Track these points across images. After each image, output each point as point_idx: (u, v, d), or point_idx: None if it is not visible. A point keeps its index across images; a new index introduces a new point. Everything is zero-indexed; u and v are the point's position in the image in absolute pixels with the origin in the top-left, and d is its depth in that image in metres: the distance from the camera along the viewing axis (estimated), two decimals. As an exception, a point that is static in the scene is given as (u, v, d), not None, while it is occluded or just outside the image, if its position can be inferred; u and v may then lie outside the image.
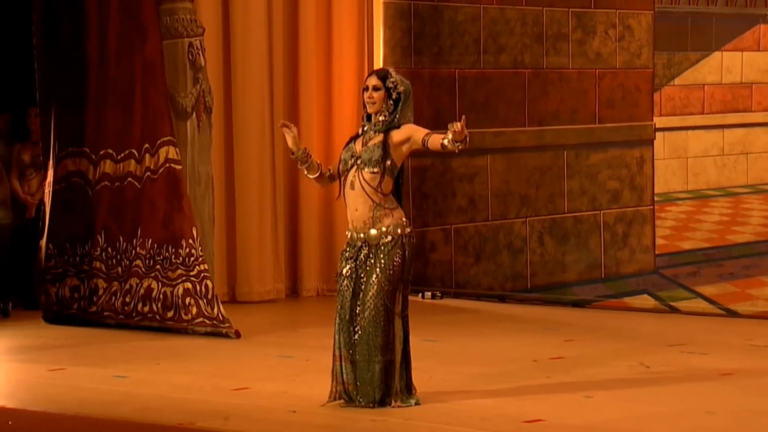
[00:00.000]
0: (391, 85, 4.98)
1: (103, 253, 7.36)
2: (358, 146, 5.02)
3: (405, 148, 4.95)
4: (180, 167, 7.21)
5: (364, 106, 5.03)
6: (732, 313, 7.64)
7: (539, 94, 8.37)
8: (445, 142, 4.78)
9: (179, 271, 7.07)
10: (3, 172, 7.88)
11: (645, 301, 7.97)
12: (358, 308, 4.92)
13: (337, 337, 5.01)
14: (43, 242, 7.59)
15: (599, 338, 6.95)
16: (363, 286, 4.90)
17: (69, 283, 7.47)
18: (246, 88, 8.39)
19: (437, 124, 8.77)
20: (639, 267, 8.08)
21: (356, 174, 4.96)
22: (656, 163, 8.05)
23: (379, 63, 8.80)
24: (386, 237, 4.91)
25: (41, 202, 7.82)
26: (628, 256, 8.12)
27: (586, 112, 8.23)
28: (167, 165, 7.19)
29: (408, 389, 4.98)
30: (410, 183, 8.87)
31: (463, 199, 8.64)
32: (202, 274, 7.03)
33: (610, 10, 8.15)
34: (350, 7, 8.75)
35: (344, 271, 4.96)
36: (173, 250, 7.10)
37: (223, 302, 7.24)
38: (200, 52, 7.50)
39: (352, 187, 4.97)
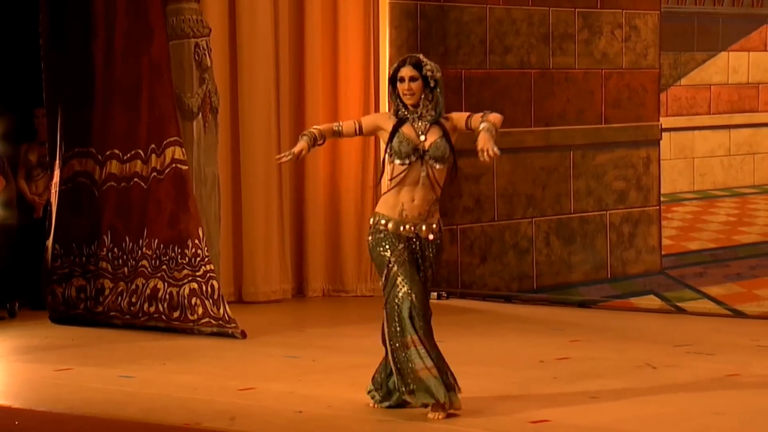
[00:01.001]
0: (428, 73, 4.80)
1: (110, 254, 7.37)
2: (411, 135, 4.80)
3: (454, 138, 4.84)
4: (186, 167, 7.22)
5: (398, 97, 4.81)
6: (738, 314, 7.63)
7: (545, 94, 8.36)
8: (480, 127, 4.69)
9: (185, 272, 7.08)
10: (9, 173, 7.90)
11: (651, 301, 7.96)
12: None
13: (406, 323, 4.78)
14: (50, 242, 7.60)
15: (605, 339, 6.94)
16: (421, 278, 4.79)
17: (75, 284, 7.48)
18: (252, 88, 8.39)
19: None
20: (645, 267, 8.07)
21: (424, 168, 4.79)
22: (662, 164, 8.04)
23: (385, 63, 8.80)
24: (434, 233, 4.86)
25: (48, 202, 7.83)
26: (634, 257, 8.11)
27: (592, 112, 8.22)
28: (173, 165, 7.20)
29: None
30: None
31: (469, 199, 8.63)
32: (208, 275, 7.03)
33: (616, 10, 8.14)
34: (356, 7, 8.75)
35: (400, 254, 4.77)
36: (179, 251, 7.10)
37: (229, 302, 7.25)
38: (206, 53, 7.50)
39: (417, 181, 4.81)
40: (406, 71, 4.81)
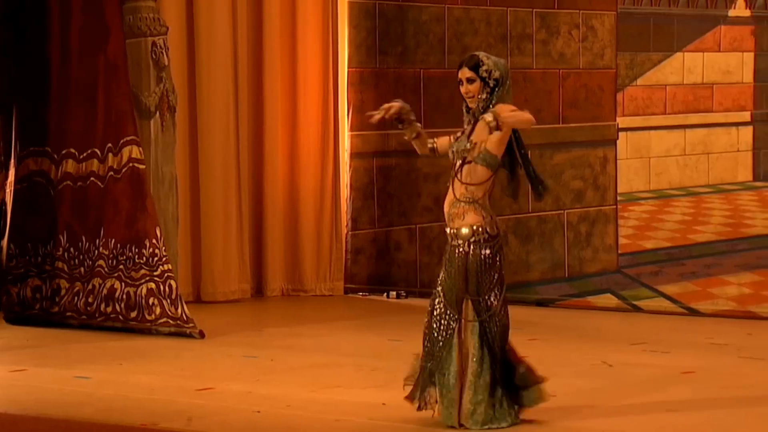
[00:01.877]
0: (485, 74, 4.60)
1: (66, 253, 7.31)
2: (461, 137, 4.68)
3: (495, 137, 4.53)
4: (143, 167, 7.17)
5: (464, 101, 4.66)
6: (693, 312, 7.72)
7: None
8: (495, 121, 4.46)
9: (143, 271, 7.04)
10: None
11: (608, 300, 8.02)
12: None
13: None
14: (5, 242, 7.52)
15: (563, 337, 6.99)
16: None
17: (31, 284, 7.41)
18: (210, 87, 8.35)
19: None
20: (602, 266, 8.14)
21: (453, 168, 4.66)
22: (619, 163, 8.11)
23: (344, 62, 8.80)
24: (456, 238, 4.68)
25: (3, 202, 7.75)
26: (591, 256, 8.17)
27: (550, 112, 8.27)
28: (130, 164, 7.15)
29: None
30: (375, 182, 8.89)
31: (428, 198, 8.65)
32: (166, 274, 7.00)
33: (573, 11, 8.20)
34: (315, 6, 8.74)
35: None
36: (137, 250, 7.06)
37: (187, 302, 7.21)
38: (164, 51, 7.46)
39: (452, 180, 4.69)
40: (463, 72, 4.64)
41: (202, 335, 6.87)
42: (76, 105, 7.35)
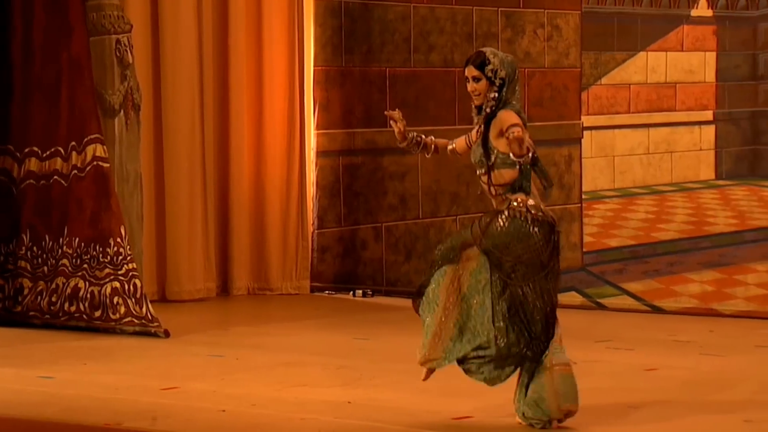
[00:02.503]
0: (491, 73, 4.50)
1: (29, 252, 7.25)
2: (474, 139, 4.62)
3: (504, 140, 4.44)
4: (108, 165, 7.13)
5: (471, 98, 4.60)
6: (657, 309, 7.78)
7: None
8: (508, 133, 4.36)
9: (107, 270, 7.00)
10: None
11: (573, 297, 8.07)
12: None
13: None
14: (-33, 241, 7.46)
15: (528, 335, 7.00)
16: None
17: (-7, 283, 7.35)
18: (176, 85, 8.32)
19: (368, 123, 8.87)
20: (567, 264, 8.17)
21: (479, 177, 4.60)
22: (584, 162, 8.16)
23: (309, 61, 8.79)
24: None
25: (-35, 200, 7.68)
26: (556, 254, 8.20)
27: (515, 110, 8.30)
28: (95, 163, 7.11)
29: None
30: (341, 181, 8.88)
31: (394, 197, 8.67)
32: (131, 273, 6.96)
33: (538, 10, 8.24)
34: (280, 4, 8.72)
35: None
36: (101, 249, 7.02)
37: (152, 301, 7.18)
38: (128, 49, 7.42)
39: (482, 187, 4.61)
40: (469, 71, 4.56)
41: (167, 334, 6.84)
42: (39, 103, 7.29)
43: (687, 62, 7.91)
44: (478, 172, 4.63)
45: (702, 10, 7.88)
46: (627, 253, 8.02)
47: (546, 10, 8.21)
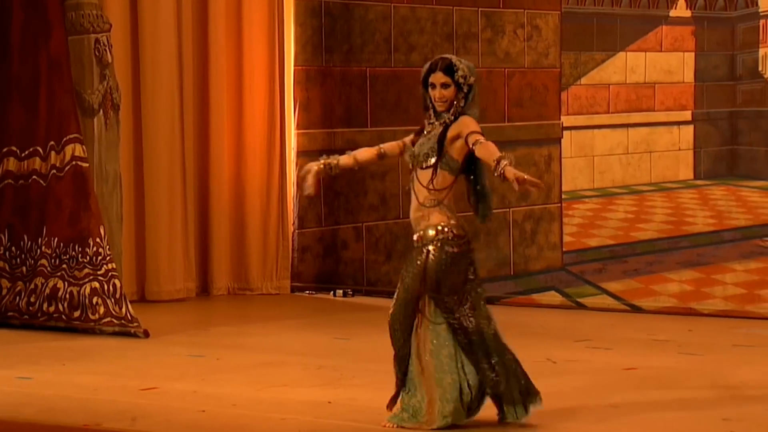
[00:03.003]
0: (461, 79, 4.48)
1: (7, 252, 7.22)
2: (422, 140, 4.57)
3: (458, 144, 4.46)
4: (87, 165, 7.11)
5: (430, 101, 4.52)
6: (636, 309, 7.81)
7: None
8: (500, 169, 4.30)
9: (86, 270, 6.97)
10: None
11: (553, 297, 8.10)
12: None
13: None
14: (-55, 241, 7.41)
15: (508, 334, 6.95)
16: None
17: (-29, 284, 7.31)
18: (155, 85, 8.29)
19: (348, 123, 8.87)
20: (547, 264, 8.21)
21: (413, 172, 4.56)
22: (563, 162, 8.18)
23: (290, 60, 8.78)
24: (422, 240, 4.54)
25: (-58, 200, 7.63)
26: (536, 254, 8.24)
27: (495, 110, 8.32)
28: (74, 163, 7.08)
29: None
30: (321, 181, 8.84)
31: (375, 196, 8.67)
32: (110, 273, 6.94)
33: (518, 10, 8.26)
34: (260, 4, 8.71)
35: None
36: (80, 249, 6.99)
37: (132, 301, 7.16)
38: (107, 49, 7.39)
39: (413, 185, 4.57)
40: (437, 77, 4.50)
41: (146, 335, 6.82)
42: (17, 102, 7.25)
43: (666, 62, 7.95)
44: (415, 171, 4.57)
45: (680, 10, 7.92)
46: (606, 253, 8.05)
47: (526, 11, 8.23)
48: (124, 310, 6.89)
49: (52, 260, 7.06)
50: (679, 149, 7.97)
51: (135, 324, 6.86)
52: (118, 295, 6.91)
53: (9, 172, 7.28)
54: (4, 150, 7.30)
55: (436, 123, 4.57)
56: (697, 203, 7.92)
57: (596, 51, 8.10)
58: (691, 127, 7.95)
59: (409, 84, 8.54)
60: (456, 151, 4.52)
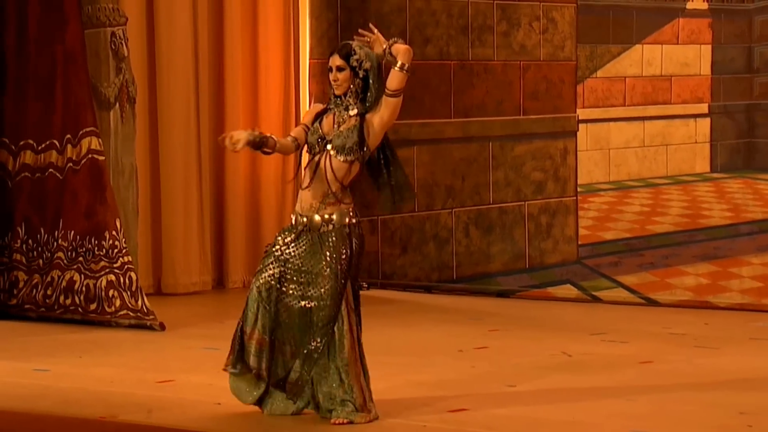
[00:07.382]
0: (355, 63, 4.60)
1: (24, 245, 7.25)
2: (326, 128, 4.67)
3: (377, 125, 4.60)
4: (103, 158, 7.13)
5: (331, 86, 4.67)
6: (652, 302, 7.79)
7: (465, 85, 8.42)
8: (396, 68, 4.54)
9: (102, 263, 7.00)
10: None
11: (568, 290, 8.08)
12: (288, 298, 4.73)
13: (254, 314, 4.82)
14: (-38, 234, 7.45)
15: (523, 328, 7.03)
16: (303, 276, 4.70)
17: (-12, 276, 7.35)
18: (171, 78, 8.31)
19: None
20: (562, 257, 8.20)
21: (324, 159, 4.63)
22: (579, 155, 8.17)
23: (305, 53, 8.78)
24: (328, 225, 4.67)
25: (-40, 193, 7.67)
26: (551, 247, 8.23)
27: (511, 103, 8.31)
28: (90, 156, 7.10)
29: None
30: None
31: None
32: (126, 266, 6.96)
33: (534, 3, 8.24)
34: (276, -3, 8.72)
35: (276, 252, 4.71)
36: (96, 242, 7.02)
37: (148, 294, 7.18)
38: (123, 42, 7.41)
39: (316, 171, 4.64)
40: (334, 60, 4.64)
41: (162, 327, 6.85)
42: (34, 95, 7.28)
43: (682, 55, 7.92)
44: (322, 156, 4.64)
45: (697, 2, 7.89)
46: (622, 246, 8.03)
47: (541, 3, 8.21)
48: (140, 302, 6.91)
49: (69, 253, 7.09)
50: (696, 142, 7.94)
51: (151, 317, 6.88)
52: (134, 288, 6.93)
53: (26, 165, 7.31)
54: (21, 143, 7.33)
55: (345, 114, 4.66)
56: (714, 196, 7.89)
57: (612, 43, 8.07)
58: (707, 120, 7.92)
59: (424, 77, 8.53)
60: (373, 142, 4.67)
